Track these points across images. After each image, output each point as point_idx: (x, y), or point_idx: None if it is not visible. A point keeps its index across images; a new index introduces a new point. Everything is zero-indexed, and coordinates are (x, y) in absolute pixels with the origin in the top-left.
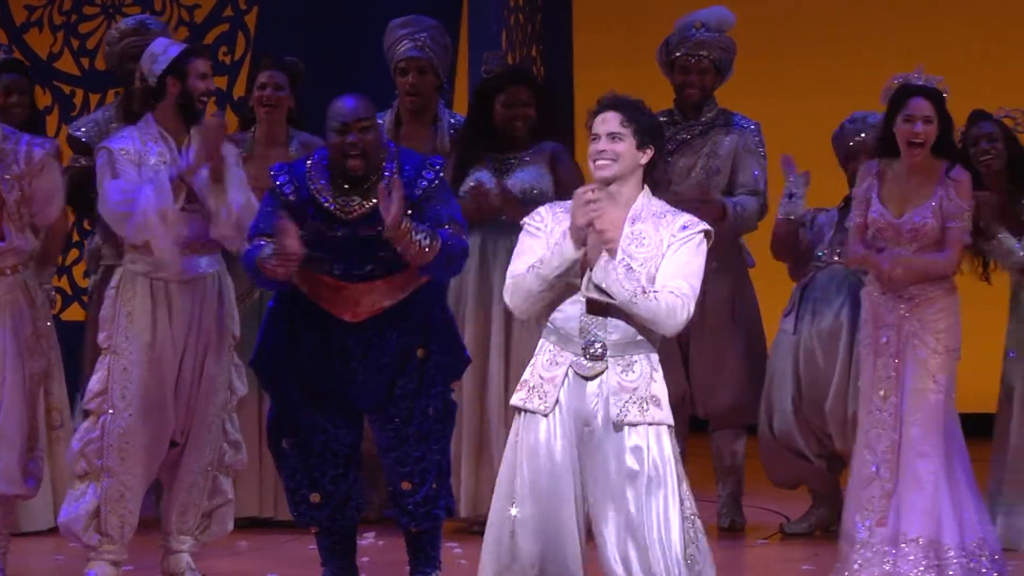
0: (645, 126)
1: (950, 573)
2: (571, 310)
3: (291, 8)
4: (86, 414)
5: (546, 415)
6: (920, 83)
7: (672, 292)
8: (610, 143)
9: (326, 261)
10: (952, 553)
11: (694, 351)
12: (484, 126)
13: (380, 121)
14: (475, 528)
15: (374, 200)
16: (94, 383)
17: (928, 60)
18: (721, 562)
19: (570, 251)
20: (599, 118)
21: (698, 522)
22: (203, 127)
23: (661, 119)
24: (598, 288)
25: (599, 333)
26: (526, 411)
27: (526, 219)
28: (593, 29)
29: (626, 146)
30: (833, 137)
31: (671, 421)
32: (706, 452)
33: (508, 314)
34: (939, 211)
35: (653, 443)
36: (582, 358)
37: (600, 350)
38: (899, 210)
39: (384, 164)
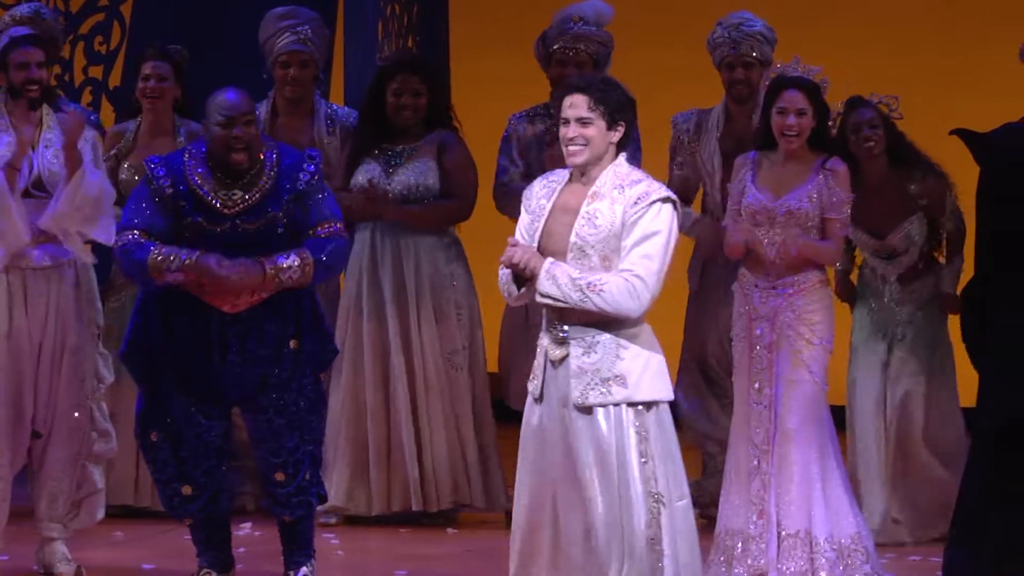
0: (614, 105)
1: (820, 564)
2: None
3: None
4: None
5: (538, 401)
6: (795, 75)
7: (626, 277)
8: (580, 128)
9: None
10: (824, 546)
11: None
12: (376, 117)
13: (257, 112)
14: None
15: (256, 194)
16: None
17: (808, 53)
18: None
19: (515, 290)
20: (567, 101)
21: (674, 501)
22: (60, 119)
23: (536, 112)
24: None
25: (563, 317)
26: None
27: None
28: (470, 19)
29: (596, 129)
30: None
31: (639, 397)
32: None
33: (403, 310)
34: (816, 199)
35: (615, 423)
36: (551, 343)
37: (563, 334)
38: (775, 196)
39: (263, 156)
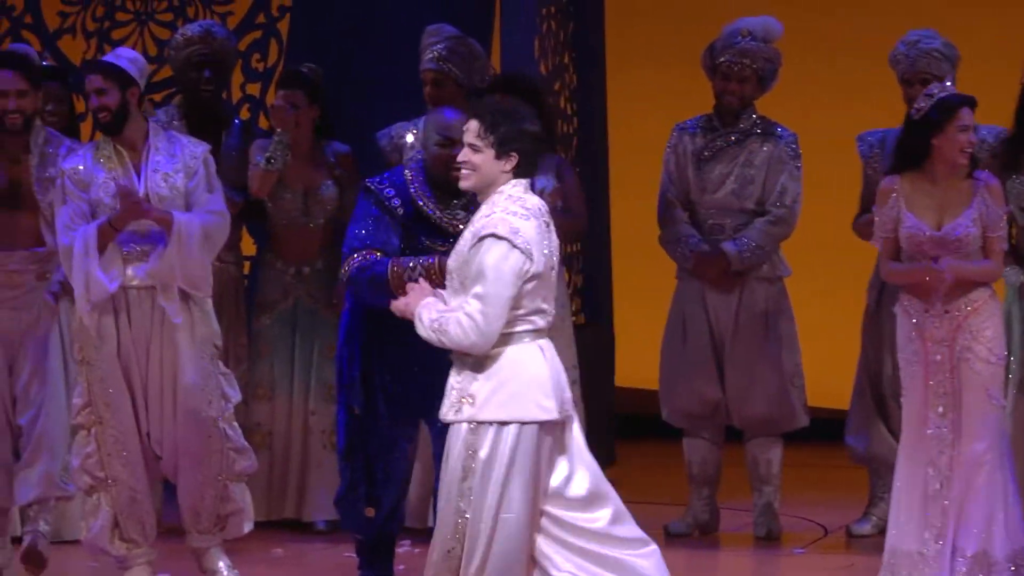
0: (504, 136)
1: None
2: None
3: (323, 15)
4: (75, 429)
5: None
6: (960, 93)
7: (459, 317)
8: (470, 153)
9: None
10: (1002, 564)
11: (728, 360)
12: None
13: (416, 131)
14: None
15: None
16: (76, 397)
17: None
18: (756, 571)
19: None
20: (466, 125)
21: (470, 520)
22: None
23: (699, 123)
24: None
25: None
26: None
27: None
28: (625, 34)
29: (483, 157)
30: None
31: (482, 416)
32: (741, 461)
33: None
34: (978, 219)
35: (454, 438)
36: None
37: (449, 356)
38: (936, 222)
39: None
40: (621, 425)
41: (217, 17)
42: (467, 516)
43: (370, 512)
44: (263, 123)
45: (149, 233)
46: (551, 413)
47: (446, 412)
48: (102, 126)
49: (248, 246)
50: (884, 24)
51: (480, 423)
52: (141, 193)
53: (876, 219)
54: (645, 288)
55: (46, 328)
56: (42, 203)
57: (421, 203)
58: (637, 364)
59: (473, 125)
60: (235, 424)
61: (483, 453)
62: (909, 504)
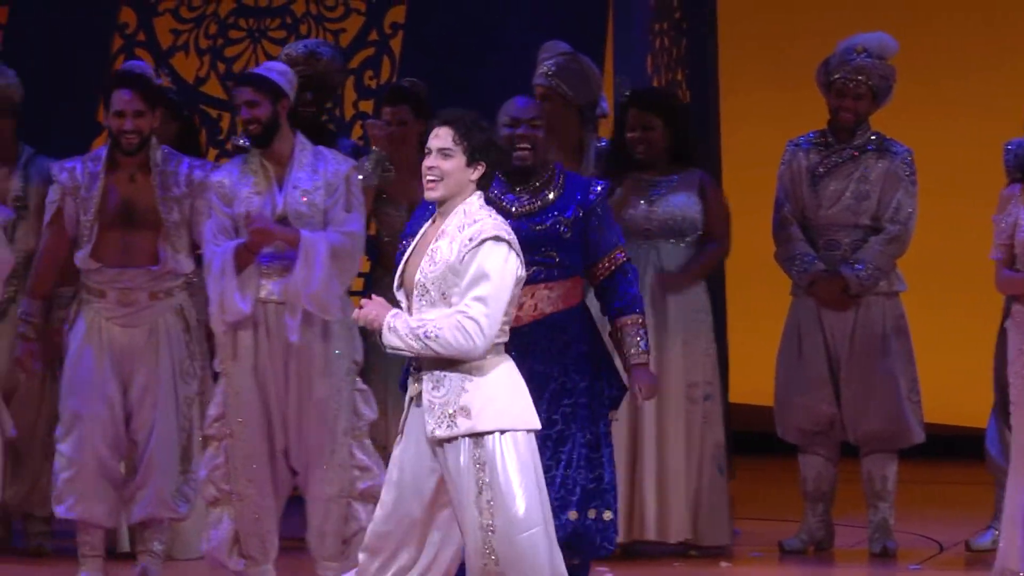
0: (477, 143)
1: None
2: None
3: (435, 31)
4: (207, 440)
5: (400, 434)
6: None
7: (459, 319)
8: (440, 159)
9: None
10: None
11: (844, 376)
12: (619, 149)
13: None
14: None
15: (546, 195)
16: (212, 408)
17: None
18: None
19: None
20: (432, 133)
21: (497, 532)
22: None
23: (813, 140)
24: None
25: (417, 356)
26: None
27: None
28: (738, 50)
29: (454, 163)
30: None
31: (481, 427)
32: (857, 477)
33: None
34: None
35: (455, 455)
36: (411, 380)
37: (416, 371)
38: None
39: (553, 166)
40: (736, 442)
41: (329, 35)
42: (494, 530)
43: None
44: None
45: (287, 250)
46: (538, 423)
47: (434, 429)
48: (251, 138)
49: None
50: (997, 38)
51: (481, 435)
52: (280, 209)
53: (995, 227)
54: (760, 304)
55: (159, 346)
56: (166, 222)
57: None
58: (752, 380)
59: (445, 131)
60: (366, 442)
61: (494, 463)
62: (1012, 520)
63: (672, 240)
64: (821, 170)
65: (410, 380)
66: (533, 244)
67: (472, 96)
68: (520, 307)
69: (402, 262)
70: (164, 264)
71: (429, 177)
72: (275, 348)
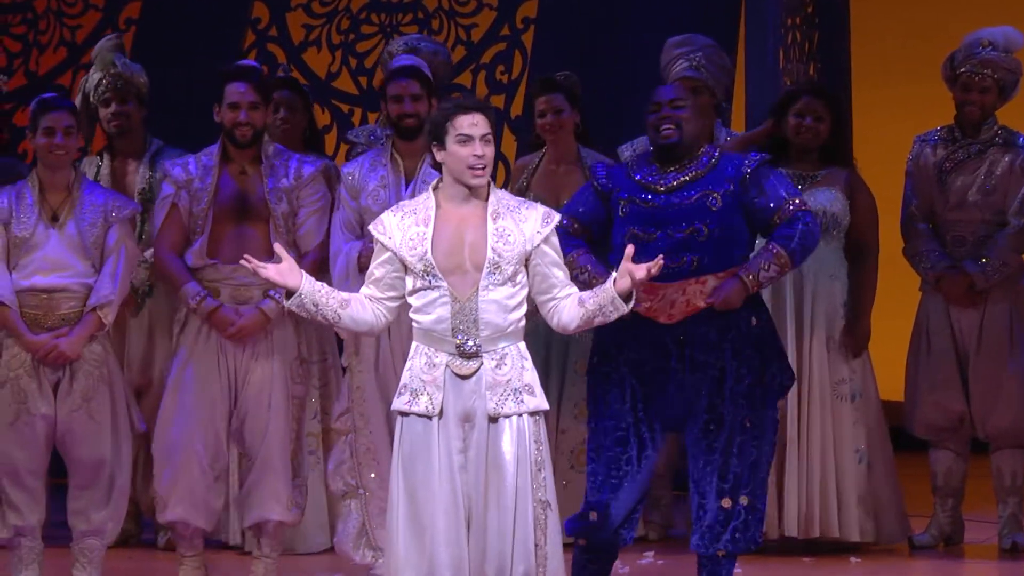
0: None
1: None
2: (441, 311)
3: (568, 26)
4: (334, 434)
5: (431, 417)
6: None
7: (571, 296)
8: (485, 146)
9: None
10: None
11: (972, 372)
12: (774, 139)
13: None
14: None
15: (693, 171)
16: (339, 403)
17: None
18: None
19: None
20: (470, 119)
21: (551, 508)
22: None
23: (940, 135)
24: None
25: (471, 331)
26: (411, 414)
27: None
28: (871, 43)
29: (492, 150)
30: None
31: (545, 406)
32: (986, 472)
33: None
34: None
35: (528, 431)
36: (457, 357)
37: (474, 347)
38: None
39: (705, 147)
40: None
41: (461, 30)
42: (551, 507)
43: (593, 516)
44: (507, 137)
45: None
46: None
47: (500, 406)
48: (405, 130)
49: None
50: None
51: (538, 413)
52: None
53: None
54: (890, 300)
55: (273, 346)
56: (275, 212)
57: (631, 171)
58: (882, 376)
59: (482, 119)
60: None
61: (545, 442)
62: None
63: None
64: (948, 165)
65: (452, 357)
66: (682, 217)
67: (602, 90)
68: (672, 304)
69: (419, 245)
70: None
71: (479, 166)
72: (396, 345)
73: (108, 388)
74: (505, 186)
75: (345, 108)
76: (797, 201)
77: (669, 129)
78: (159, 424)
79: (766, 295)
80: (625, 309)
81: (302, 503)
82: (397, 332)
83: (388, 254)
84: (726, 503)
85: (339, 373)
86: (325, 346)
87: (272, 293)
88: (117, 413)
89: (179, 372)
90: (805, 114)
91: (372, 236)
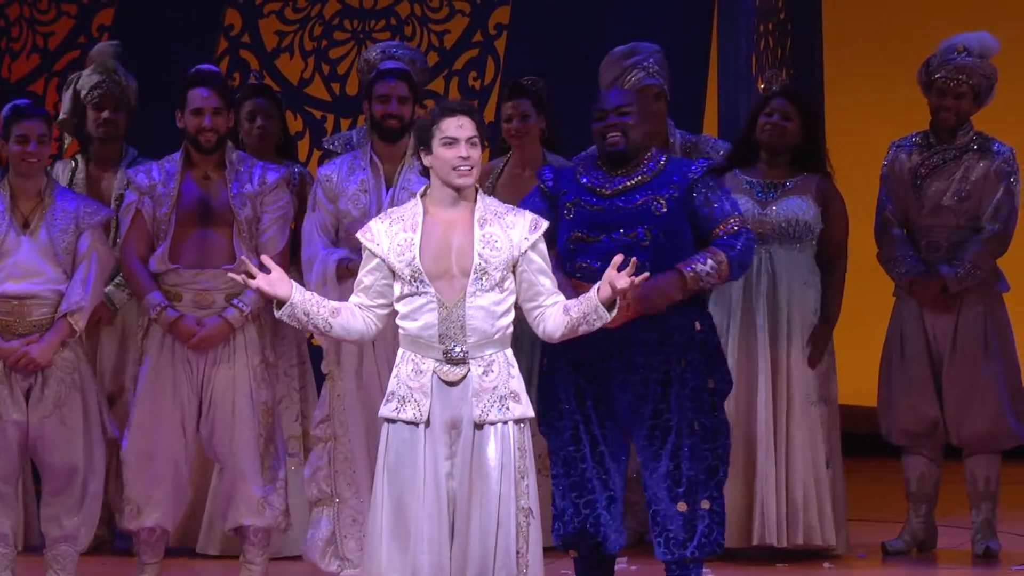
0: (485, 130)
1: None
2: (428, 317)
3: (540, 32)
4: (313, 440)
5: (417, 424)
6: None
7: (557, 304)
8: (470, 148)
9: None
10: None
11: (947, 377)
12: (747, 146)
13: None
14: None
15: (643, 176)
16: (317, 410)
17: None
18: None
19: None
20: (455, 122)
21: (533, 515)
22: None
23: (915, 140)
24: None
25: (458, 337)
26: (398, 421)
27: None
28: (842, 51)
29: (479, 152)
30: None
31: (531, 413)
32: (959, 478)
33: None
34: None
35: (512, 438)
36: (444, 363)
37: (461, 354)
38: None
39: (652, 152)
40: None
41: (434, 36)
42: (533, 515)
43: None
44: None
45: None
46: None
47: (485, 413)
48: (387, 132)
49: None
50: None
51: (523, 420)
52: (386, 207)
53: None
54: (863, 305)
55: (236, 351)
56: (239, 217)
57: (578, 172)
58: (855, 381)
59: (468, 121)
60: None
61: (529, 450)
62: None
63: (786, 244)
64: (923, 171)
65: (439, 364)
66: (626, 221)
67: (575, 96)
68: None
69: (407, 251)
70: (239, 263)
71: (464, 166)
72: (379, 353)
73: (80, 394)
74: None
75: (318, 114)
76: (740, 218)
77: (615, 136)
78: (131, 430)
79: (737, 302)
80: (608, 317)
81: (280, 506)
82: (382, 340)
83: (376, 261)
84: (681, 507)
85: (313, 378)
86: (302, 348)
87: (235, 301)
88: (89, 419)
89: (148, 379)
90: (773, 113)
91: (359, 243)
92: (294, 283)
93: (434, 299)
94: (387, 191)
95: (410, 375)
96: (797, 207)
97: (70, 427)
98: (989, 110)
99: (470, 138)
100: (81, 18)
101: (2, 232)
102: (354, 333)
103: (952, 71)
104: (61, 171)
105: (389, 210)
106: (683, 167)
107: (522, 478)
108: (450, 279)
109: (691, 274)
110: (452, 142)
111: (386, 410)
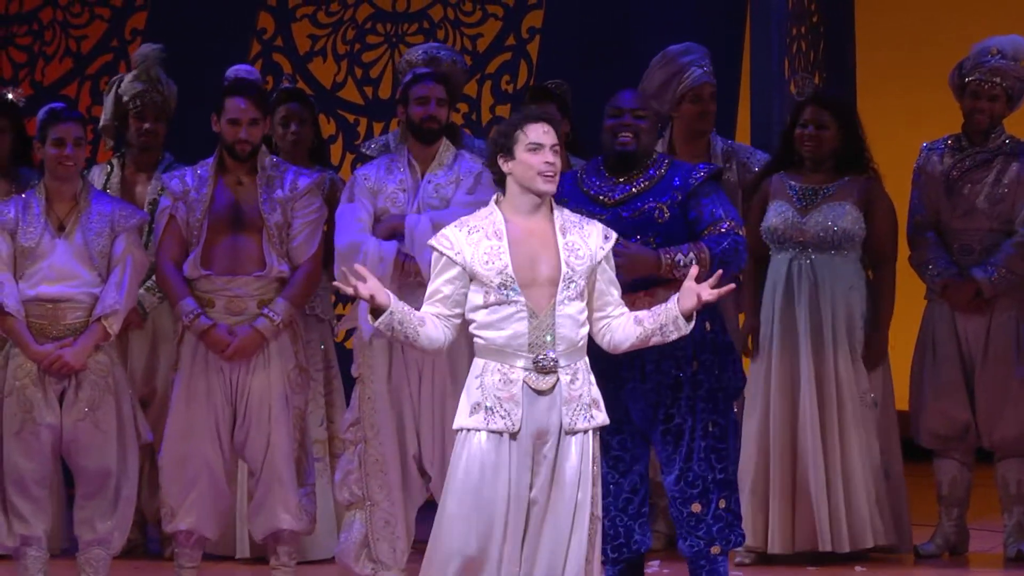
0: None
1: None
2: (518, 327)
3: (573, 36)
4: (344, 444)
5: (502, 434)
6: None
7: (624, 315)
8: (554, 156)
9: None
10: None
11: (979, 380)
12: (786, 154)
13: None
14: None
15: (645, 183)
16: (348, 413)
17: None
18: None
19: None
20: (541, 128)
21: (599, 522)
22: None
23: (947, 143)
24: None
25: (548, 346)
26: (483, 431)
27: (433, 241)
28: (875, 53)
29: (560, 160)
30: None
31: (607, 421)
32: (991, 482)
33: (818, 348)
34: None
35: (592, 445)
36: (534, 372)
37: (552, 363)
38: None
39: (656, 156)
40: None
41: (467, 39)
42: (599, 523)
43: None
44: None
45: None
46: None
47: (573, 421)
48: (427, 134)
49: None
50: None
51: (599, 428)
52: (415, 206)
53: None
54: (896, 308)
55: (271, 357)
56: (268, 223)
57: (580, 179)
58: None
59: (550, 128)
60: None
61: (599, 457)
62: None
63: (827, 252)
64: (955, 174)
65: (529, 372)
66: (629, 231)
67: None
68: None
69: (497, 258)
70: (270, 270)
71: (550, 172)
72: (410, 356)
73: (114, 398)
74: None
75: (351, 118)
76: (732, 223)
77: (627, 137)
78: (167, 436)
79: (779, 309)
80: (687, 329)
81: (312, 510)
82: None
83: (457, 270)
84: (696, 508)
85: (341, 382)
86: (329, 354)
87: (266, 311)
88: (123, 423)
89: (183, 385)
90: (808, 123)
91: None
92: (389, 292)
93: (524, 308)
94: (419, 189)
95: (498, 385)
96: (836, 215)
97: (104, 431)
98: (1020, 113)
99: (553, 145)
100: (114, 22)
101: (37, 235)
102: (436, 343)
103: (986, 73)
104: (97, 175)
105: (461, 219)
106: (685, 172)
107: (594, 485)
108: (538, 287)
109: (667, 260)
110: (538, 148)
111: (472, 421)
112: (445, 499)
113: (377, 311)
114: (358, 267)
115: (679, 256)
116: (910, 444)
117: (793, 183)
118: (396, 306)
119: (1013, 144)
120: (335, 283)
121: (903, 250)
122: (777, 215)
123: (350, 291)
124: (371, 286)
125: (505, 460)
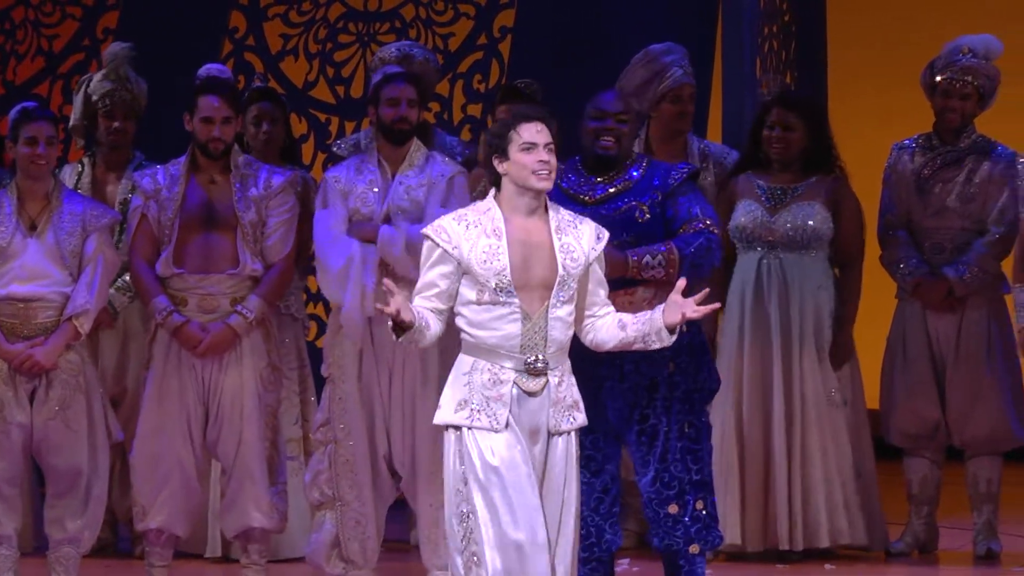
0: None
1: None
2: (511, 328)
3: (545, 36)
4: (315, 444)
5: (497, 432)
6: None
7: (609, 314)
8: (549, 154)
9: None
10: None
11: (950, 379)
12: (754, 154)
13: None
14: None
15: (625, 183)
16: (318, 413)
17: None
18: None
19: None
20: (534, 127)
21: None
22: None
23: (918, 142)
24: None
25: (540, 348)
26: (473, 429)
27: (429, 231)
28: (846, 54)
29: (554, 159)
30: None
31: (586, 422)
32: (961, 480)
33: (787, 347)
34: None
35: (573, 447)
36: (524, 374)
37: (543, 366)
38: None
39: (635, 156)
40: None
41: (439, 39)
42: (579, 519)
43: None
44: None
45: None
46: None
47: (559, 422)
48: (397, 135)
49: None
50: None
51: (579, 430)
52: (384, 207)
53: None
54: (865, 308)
55: (243, 355)
56: (243, 221)
57: (559, 179)
58: None
59: (543, 127)
60: None
61: (577, 456)
62: None
63: (796, 251)
64: (926, 172)
65: (519, 374)
66: (608, 230)
67: (580, 99)
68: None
69: (495, 259)
70: (243, 268)
71: (543, 171)
72: (380, 356)
73: (85, 397)
74: None
75: (323, 117)
76: (708, 222)
77: (609, 141)
78: (139, 434)
79: (749, 308)
80: (669, 341)
81: (283, 508)
82: (380, 344)
83: (453, 265)
84: (673, 509)
85: (313, 381)
86: (302, 352)
87: (239, 308)
88: (94, 422)
89: (155, 383)
90: (775, 125)
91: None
92: (413, 308)
93: (518, 310)
94: (390, 189)
95: (486, 384)
96: (804, 214)
97: (74, 430)
98: (991, 113)
99: (547, 144)
100: (86, 21)
101: (9, 234)
102: (432, 339)
103: (958, 72)
104: (68, 174)
105: (459, 211)
106: (664, 172)
107: (573, 484)
108: (532, 289)
109: (634, 262)
110: (531, 147)
111: (457, 417)
112: (470, 495)
113: (400, 328)
114: (387, 282)
115: (647, 258)
116: (880, 443)
117: (761, 183)
118: (419, 323)
119: (984, 143)
120: (376, 305)
121: (871, 249)
122: (745, 214)
123: (392, 311)
124: (397, 302)
125: (515, 447)
